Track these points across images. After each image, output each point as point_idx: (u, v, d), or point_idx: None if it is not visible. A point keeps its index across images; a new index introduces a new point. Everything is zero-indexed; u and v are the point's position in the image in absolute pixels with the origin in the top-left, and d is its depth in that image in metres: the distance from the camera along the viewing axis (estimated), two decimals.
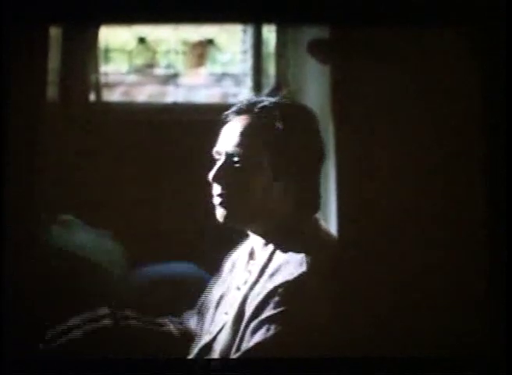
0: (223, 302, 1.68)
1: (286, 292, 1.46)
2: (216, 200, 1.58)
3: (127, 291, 3.13)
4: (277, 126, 1.55)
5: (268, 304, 1.47)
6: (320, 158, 1.61)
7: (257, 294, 1.50)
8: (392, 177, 1.46)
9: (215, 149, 1.60)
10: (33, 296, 1.46)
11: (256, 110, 1.57)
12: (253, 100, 1.61)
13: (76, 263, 3.01)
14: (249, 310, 1.50)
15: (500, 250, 1.43)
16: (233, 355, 1.48)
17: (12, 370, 1.40)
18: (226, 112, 1.62)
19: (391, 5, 1.44)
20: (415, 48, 1.45)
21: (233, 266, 1.74)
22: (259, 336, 1.45)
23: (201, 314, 1.79)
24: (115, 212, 3.52)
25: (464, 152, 1.46)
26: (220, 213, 1.58)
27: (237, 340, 1.50)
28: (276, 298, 1.46)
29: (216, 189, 1.58)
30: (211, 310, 1.71)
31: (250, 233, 1.64)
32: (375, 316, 1.43)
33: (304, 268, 1.48)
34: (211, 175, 1.58)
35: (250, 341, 1.46)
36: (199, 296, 1.84)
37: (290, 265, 1.50)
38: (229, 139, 1.58)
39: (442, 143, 1.47)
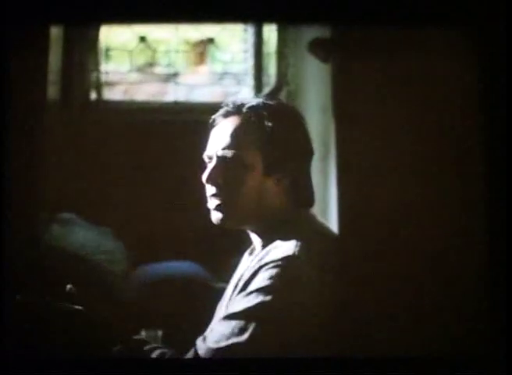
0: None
1: (272, 270, 1.46)
2: (211, 203, 1.59)
3: (128, 290, 3.13)
4: (266, 125, 1.57)
5: (254, 279, 1.47)
6: (309, 153, 1.64)
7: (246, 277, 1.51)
8: (392, 176, 1.47)
9: (205, 153, 1.61)
10: (33, 295, 1.46)
11: (244, 111, 1.59)
12: (239, 101, 1.62)
13: (77, 262, 3.02)
14: (237, 290, 1.51)
15: (500, 250, 1.43)
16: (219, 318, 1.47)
17: (12, 370, 1.40)
18: (213, 116, 1.63)
19: (391, 5, 1.44)
20: (415, 48, 1.45)
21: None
22: (247, 302, 1.45)
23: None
24: (115, 212, 3.53)
25: (464, 151, 1.47)
26: (215, 217, 1.59)
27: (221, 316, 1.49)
28: (261, 276, 1.46)
29: (210, 190, 1.59)
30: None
31: (248, 231, 1.64)
32: (374, 316, 1.43)
33: (290, 252, 1.48)
34: (204, 176, 1.59)
35: (237, 306, 1.45)
36: (199, 295, 1.84)
37: (279, 249, 1.51)
38: (219, 141, 1.59)
39: (441, 142, 1.47)
